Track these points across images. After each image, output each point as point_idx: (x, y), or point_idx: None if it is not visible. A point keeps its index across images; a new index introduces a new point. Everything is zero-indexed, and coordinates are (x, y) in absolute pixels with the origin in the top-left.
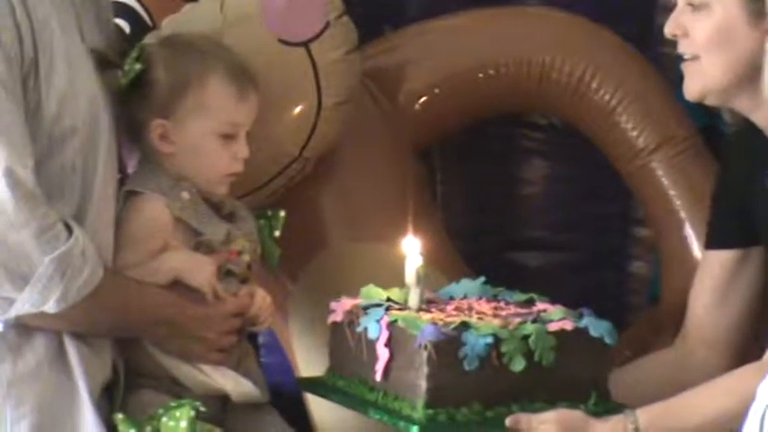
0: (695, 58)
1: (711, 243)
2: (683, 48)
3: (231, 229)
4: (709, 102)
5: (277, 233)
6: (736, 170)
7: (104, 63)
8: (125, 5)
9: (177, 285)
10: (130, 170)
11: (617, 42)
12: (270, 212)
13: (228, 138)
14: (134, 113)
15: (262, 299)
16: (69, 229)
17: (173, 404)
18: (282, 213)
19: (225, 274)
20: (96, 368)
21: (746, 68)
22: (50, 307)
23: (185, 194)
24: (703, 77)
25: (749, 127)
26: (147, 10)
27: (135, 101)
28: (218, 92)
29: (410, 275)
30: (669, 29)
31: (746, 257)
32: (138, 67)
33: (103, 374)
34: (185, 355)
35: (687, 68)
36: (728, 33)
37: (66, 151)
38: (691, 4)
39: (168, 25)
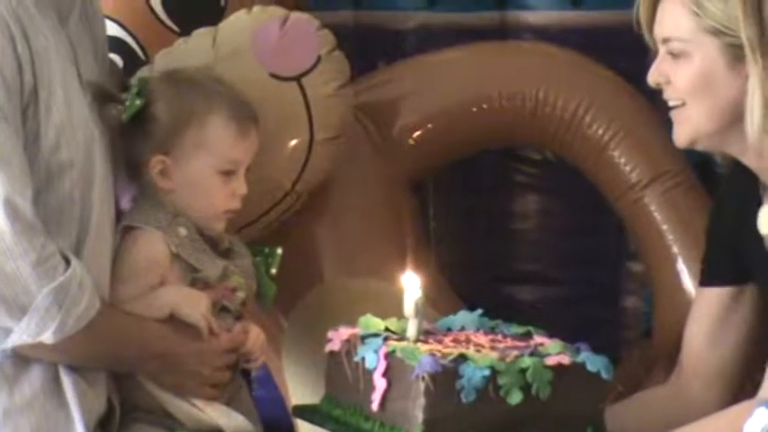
0: (682, 104)
1: (706, 280)
2: (668, 94)
3: (228, 265)
4: (700, 147)
5: (273, 270)
6: (728, 210)
7: (104, 96)
8: (118, 40)
9: (173, 320)
10: (123, 206)
11: (610, 77)
12: (267, 250)
13: (228, 174)
14: (133, 148)
15: (256, 336)
16: (67, 261)
17: None
18: (279, 251)
19: (220, 310)
20: (91, 401)
21: (732, 113)
22: (47, 338)
23: (182, 230)
24: (690, 124)
25: (741, 168)
26: (139, 44)
27: (135, 136)
28: (220, 130)
29: (409, 307)
30: (652, 78)
31: (741, 294)
32: (139, 102)
33: (98, 407)
34: (179, 390)
35: (675, 116)
36: (710, 80)
37: (64, 183)
38: (671, 53)
39: (161, 59)
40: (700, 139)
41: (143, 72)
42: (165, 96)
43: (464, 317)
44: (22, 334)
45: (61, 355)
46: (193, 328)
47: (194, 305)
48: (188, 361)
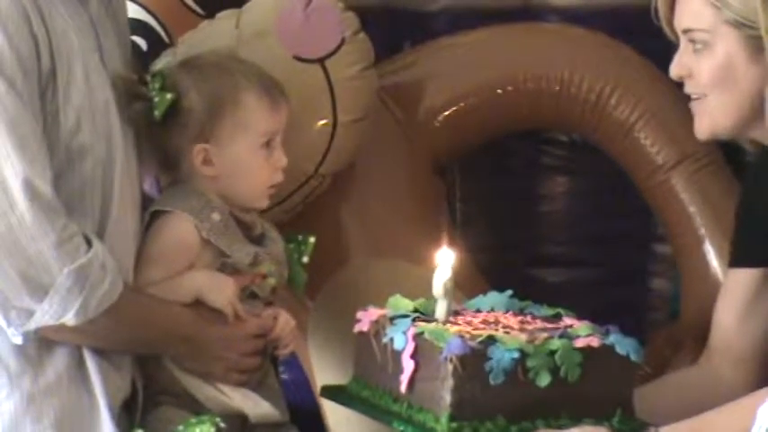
0: (703, 96)
1: (735, 261)
2: (690, 88)
3: (259, 252)
4: (722, 137)
5: (306, 259)
6: (758, 191)
7: (131, 95)
8: (142, 22)
9: (199, 305)
10: (147, 189)
11: (636, 58)
12: (300, 237)
13: (267, 148)
14: (169, 141)
15: (285, 322)
16: (89, 243)
17: (193, 420)
18: (312, 239)
19: (249, 296)
20: (116, 384)
21: (753, 103)
22: (69, 319)
23: (216, 215)
24: (711, 116)
25: None
26: (163, 27)
27: (169, 129)
28: (254, 107)
29: (438, 287)
30: (674, 71)
31: None
32: (169, 96)
33: (123, 390)
34: (205, 375)
35: (696, 108)
36: (731, 71)
37: (85, 165)
38: (693, 44)
39: (185, 42)
40: (720, 131)
41: (167, 56)
42: (194, 86)
43: (493, 298)
44: (44, 315)
45: (85, 338)
46: (220, 312)
47: (221, 290)
48: (214, 346)
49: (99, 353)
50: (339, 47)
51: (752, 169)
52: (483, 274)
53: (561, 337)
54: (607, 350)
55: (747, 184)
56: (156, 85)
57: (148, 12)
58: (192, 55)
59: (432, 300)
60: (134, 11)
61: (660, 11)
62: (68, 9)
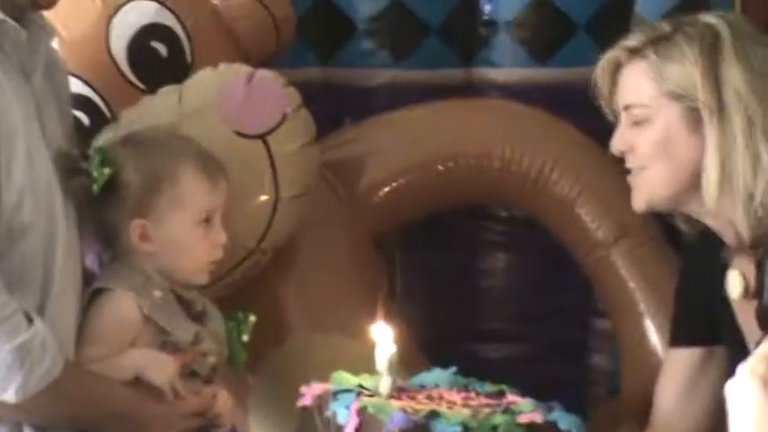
0: (642, 169)
1: (676, 341)
2: (630, 162)
3: (200, 330)
4: (658, 208)
5: (245, 337)
6: (696, 273)
7: (69, 168)
8: (84, 97)
9: (139, 382)
10: (88, 264)
11: (576, 135)
12: (240, 315)
13: (206, 225)
14: (107, 216)
15: (224, 400)
16: (30, 320)
17: None
18: (252, 318)
19: (189, 373)
20: None
21: (690, 176)
22: (10, 396)
23: (157, 293)
24: (649, 187)
25: (706, 230)
26: (105, 102)
27: (107, 204)
28: (191, 182)
29: (381, 362)
30: (615, 146)
31: (711, 355)
32: (107, 171)
33: None
34: None
35: (634, 181)
36: (671, 143)
37: (26, 243)
38: (633, 120)
39: (127, 117)
40: (657, 202)
41: (108, 131)
42: (132, 161)
43: (437, 374)
44: None
45: (25, 415)
46: (160, 390)
47: (161, 368)
48: (153, 423)
49: (39, 429)
50: (281, 123)
51: (688, 250)
52: (423, 348)
53: (504, 412)
54: (550, 426)
55: (684, 265)
56: (96, 160)
57: (90, 86)
58: (133, 131)
59: (375, 375)
60: (76, 85)
61: (601, 89)
62: (11, 85)
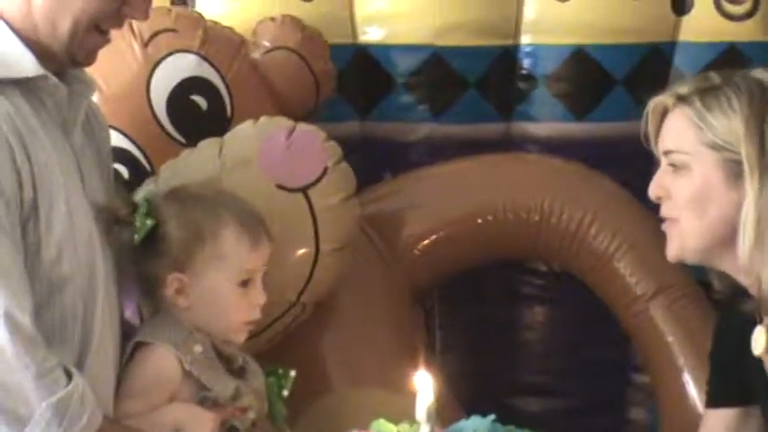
0: (676, 219)
1: (711, 402)
2: (665, 211)
3: (240, 385)
4: (690, 261)
5: (285, 392)
6: (729, 332)
7: (112, 219)
8: (123, 150)
9: None
10: (128, 316)
11: (614, 189)
12: (280, 371)
13: (245, 285)
14: (147, 268)
15: None
16: (69, 375)
17: None
18: (293, 373)
19: (229, 429)
20: None
21: (726, 230)
22: None
23: (198, 348)
24: (682, 239)
25: (739, 290)
26: (145, 155)
27: (147, 255)
28: (233, 242)
29: (421, 411)
30: (652, 191)
31: (748, 414)
32: (149, 222)
33: None
34: None
35: (668, 230)
36: (707, 194)
37: (66, 296)
38: (672, 165)
39: (166, 170)
40: (690, 254)
41: (148, 184)
42: (175, 215)
43: (476, 422)
44: None
45: None
46: None
47: (200, 425)
48: None
49: None
50: (322, 176)
51: (722, 310)
52: (460, 402)
53: None
54: None
55: (718, 325)
56: (142, 211)
57: (130, 140)
58: (180, 185)
59: (414, 424)
60: (116, 139)
61: (650, 132)
62: (51, 140)
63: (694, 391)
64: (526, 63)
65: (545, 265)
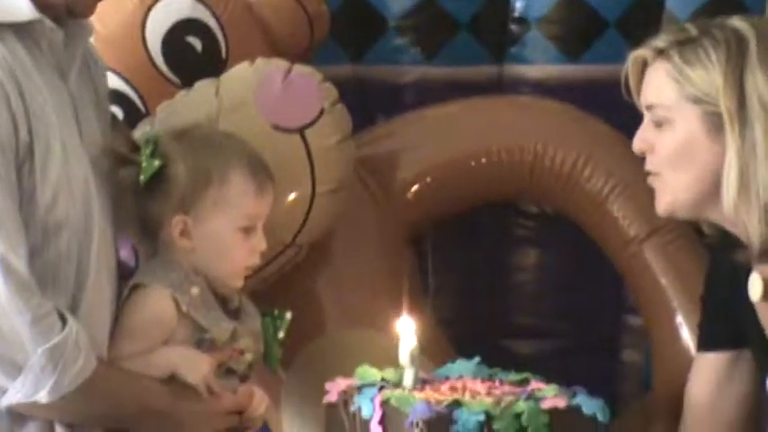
0: (658, 174)
1: (703, 345)
2: (649, 165)
3: (237, 327)
4: (681, 216)
5: (281, 334)
6: (721, 276)
7: (116, 159)
8: (119, 92)
9: (174, 380)
10: (123, 256)
11: (608, 131)
12: (276, 312)
13: (247, 231)
14: (151, 209)
15: (260, 399)
16: (63, 319)
17: None
18: (289, 315)
19: (226, 371)
20: None
21: (711, 182)
22: (42, 397)
23: (195, 289)
24: (670, 193)
25: (730, 235)
26: (140, 97)
27: (152, 196)
28: (240, 187)
29: (404, 356)
30: (636, 145)
31: (739, 357)
32: (156, 163)
33: None
34: None
35: (654, 184)
36: (690, 148)
37: (61, 241)
38: (654, 120)
39: (162, 112)
40: (680, 209)
41: (145, 125)
42: (183, 156)
43: (461, 365)
44: (16, 393)
45: (57, 413)
46: (195, 388)
47: (195, 367)
48: (188, 421)
49: (71, 427)
50: (318, 117)
51: (712, 255)
52: (454, 345)
53: (528, 399)
54: (573, 411)
55: (709, 270)
56: (147, 151)
57: (125, 81)
58: (188, 126)
59: (399, 369)
60: (111, 80)
61: (631, 85)
62: (47, 84)
63: (687, 333)
64: (518, 6)
65: (537, 207)
